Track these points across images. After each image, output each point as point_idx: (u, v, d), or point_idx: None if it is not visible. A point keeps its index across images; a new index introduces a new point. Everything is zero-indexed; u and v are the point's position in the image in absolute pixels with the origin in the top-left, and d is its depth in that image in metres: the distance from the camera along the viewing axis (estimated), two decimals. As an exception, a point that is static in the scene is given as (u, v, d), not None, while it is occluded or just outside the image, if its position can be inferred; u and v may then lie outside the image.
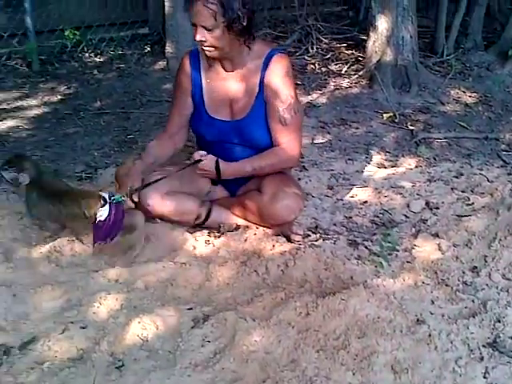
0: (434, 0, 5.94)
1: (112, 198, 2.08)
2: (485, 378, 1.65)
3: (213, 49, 2.12)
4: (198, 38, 2.09)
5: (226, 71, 2.26)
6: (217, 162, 2.22)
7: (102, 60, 4.47)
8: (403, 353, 1.70)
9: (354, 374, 1.63)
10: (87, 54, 4.47)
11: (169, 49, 4.25)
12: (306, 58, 4.67)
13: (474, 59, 4.74)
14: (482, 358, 1.71)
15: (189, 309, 1.91)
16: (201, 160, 2.21)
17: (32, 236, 2.29)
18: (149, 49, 4.66)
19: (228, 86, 2.27)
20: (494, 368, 1.68)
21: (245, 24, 2.09)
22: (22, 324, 1.89)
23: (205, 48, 2.12)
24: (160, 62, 4.45)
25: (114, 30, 4.58)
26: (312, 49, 4.77)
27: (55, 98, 3.85)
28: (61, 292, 2.00)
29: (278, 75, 2.21)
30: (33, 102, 3.79)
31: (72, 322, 1.87)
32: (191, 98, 2.32)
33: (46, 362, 1.73)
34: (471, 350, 1.74)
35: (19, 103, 3.76)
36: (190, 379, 1.63)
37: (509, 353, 1.74)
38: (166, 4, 4.08)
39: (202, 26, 2.06)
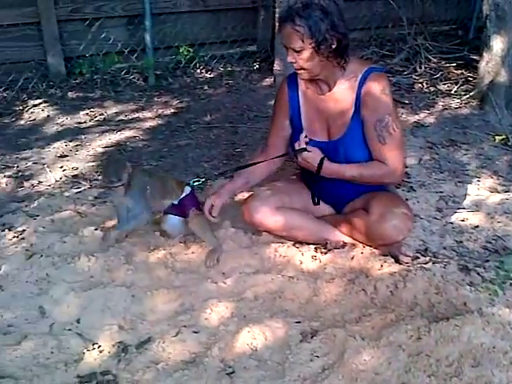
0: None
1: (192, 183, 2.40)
2: None
3: (303, 71, 2.16)
4: (289, 59, 2.14)
5: (321, 92, 2.27)
6: (322, 159, 2.23)
7: (212, 76, 4.64)
8: (520, 386, 1.64)
9: (467, 404, 1.59)
10: (198, 70, 4.66)
11: (277, 66, 4.34)
12: (414, 77, 4.59)
13: None
14: None
15: (297, 322, 1.96)
16: (306, 149, 2.23)
17: (150, 241, 2.43)
18: (257, 66, 4.78)
19: (324, 106, 2.28)
20: None
21: (334, 46, 2.10)
22: (139, 324, 2.01)
23: (297, 69, 2.17)
24: (267, 79, 4.55)
25: (225, 48, 4.74)
26: (420, 68, 4.68)
27: (168, 111, 4.04)
28: (175, 296, 2.11)
29: (375, 93, 2.19)
30: (148, 114, 4.01)
31: (185, 326, 1.97)
32: (289, 120, 2.36)
33: (160, 362, 1.83)
34: None
35: (136, 115, 3.99)
36: (298, 392, 1.67)
37: None
38: (277, 24, 4.16)
39: (291, 48, 2.10)
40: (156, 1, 4.34)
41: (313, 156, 2.24)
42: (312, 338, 1.86)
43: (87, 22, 4.25)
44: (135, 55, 4.42)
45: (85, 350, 1.88)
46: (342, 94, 2.24)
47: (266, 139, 2.49)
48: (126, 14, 4.36)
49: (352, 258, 2.33)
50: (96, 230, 2.45)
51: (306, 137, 2.25)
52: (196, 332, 1.95)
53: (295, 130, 2.36)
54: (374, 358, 1.74)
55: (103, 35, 4.30)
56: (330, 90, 2.25)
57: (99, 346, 1.89)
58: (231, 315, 2.00)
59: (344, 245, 2.41)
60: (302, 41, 2.07)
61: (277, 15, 4.14)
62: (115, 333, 1.95)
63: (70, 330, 1.97)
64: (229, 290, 2.14)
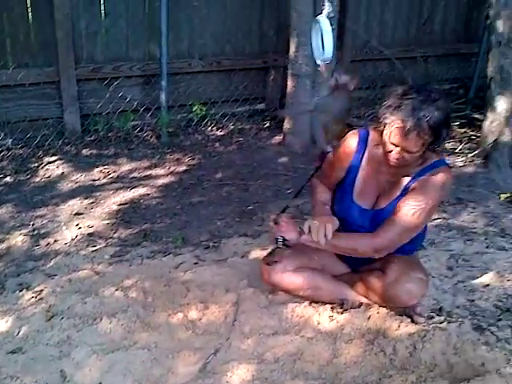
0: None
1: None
2: None
3: (402, 163, 2.13)
4: (396, 157, 2.09)
5: (388, 168, 2.23)
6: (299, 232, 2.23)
7: (223, 133, 4.76)
8: None
9: None
10: (210, 128, 4.79)
11: (287, 125, 4.47)
12: (419, 135, 4.72)
13: None
14: None
15: (317, 385, 1.98)
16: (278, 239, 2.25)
17: (171, 302, 2.47)
18: (267, 124, 4.92)
19: (382, 179, 2.29)
20: None
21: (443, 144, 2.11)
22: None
23: (394, 161, 2.13)
24: (276, 137, 4.67)
25: (236, 106, 4.89)
26: (425, 126, 4.81)
27: (181, 169, 4.14)
28: (196, 358, 2.14)
29: (434, 185, 2.16)
30: (161, 171, 4.10)
31: (207, 389, 1.99)
32: (344, 175, 2.36)
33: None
34: None
35: (148, 172, 4.08)
36: None
37: None
38: (289, 83, 4.33)
39: (406, 150, 2.07)
40: (172, 61, 4.51)
41: (291, 230, 2.24)
42: (334, 400, 1.89)
43: (105, 82, 4.40)
44: (150, 113, 4.56)
45: (107, 415, 1.90)
46: (403, 173, 2.24)
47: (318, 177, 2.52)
48: (143, 74, 4.52)
49: (369, 318, 2.37)
50: (116, 290, 2.49)
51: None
52: (218, 396, 1.97)
53: (345, 188, 2.35)
54: (395, 422, 1.76)
55: (120, 94, 4.44)
56: (397, 169, 2.21)
57: (122, 409, 1.92)
58: (252, 377, 2.03)
59: (360, 304, 2.44)
60: (423, 145, 2.05)
61: (289, 74, 4.32)
62: (137, 397, 1.97)
63: (92, 393, 1.99)
64: (249, 352, 2.17)
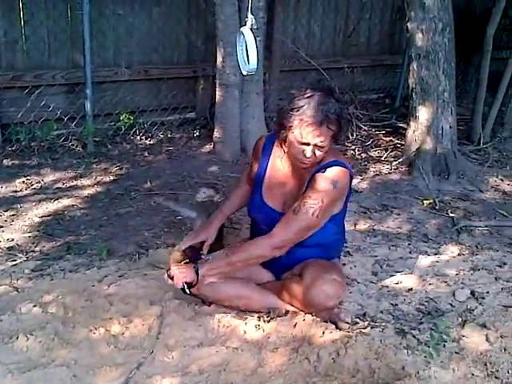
0: (470, 90, 6.21)
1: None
2: None
3: (311, 162, 2.21)
4: (309, 155, 2.16)
5: (291, 169, 2.36)
6: (195, 269, 2.28)
7: (152, 142, 4.70)
8: None
9: None
10: (138, 137, 4.71)
11: (216, 134, 4.46)
12: (347, 144, 4.84)
13: (510, 148, 4.85)
14: None
15: (242, 395, 1.96)
16: (186, 286, 2.29)
17: (93, 318, 2.39)
18: (197, 133, 4.89)
19: (286, 181, 2.39)
20: None
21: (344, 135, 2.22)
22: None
23: (306, 162, 2.21)
24: (207, 146, 4.65)
25: (165, 115, 4.84)
26: (352, 135, 4.95)
27: (108, 179, 4.04)
28: (118, 374, 2.07)
29: (325, 179, 2.23)
30: (87, 181, 3.99)
31: (129, 404, 1.93)
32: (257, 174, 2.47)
33: None
34: None
35: (74, 183, 3.95)
36: None
37: None
38: (217, 93, 4.32)
39: (318, 146, 2.15)
40: (97, 70, 4.41)
41: (187, 274, 2.29)
42: (258, 411, 1.87)
43: (27, 90, 4.24)
44: (74, 122, 4.43)
45: None
46: (304, 174, 2.33)
47: (242, 177, 2.72)
48: (67, 82, 4.40)
49: (295, 325, 2.37)
50: (34, 306, 2.38)
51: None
52: (141, 411, 1.92)
53: (255, 189, 2.46)
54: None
55: (42, 103, 4.30)
56: (300, 169, 2.31)
57: (38, 431, 1.83)
58: (175, 390, 1.99)
59: (287, 312, 2.45)
60: (332, 137, 2.16)
61: (217, 84, 4.32)
62: (56, 416, 1.89)
63: (7, 415, 1.89)
64: (173, 365, 2.13)
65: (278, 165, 2.42)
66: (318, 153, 2.18)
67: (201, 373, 2.10)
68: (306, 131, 2.12)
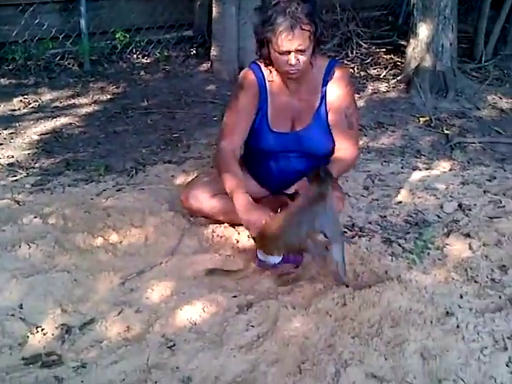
0: (475, 6, 6.02)
1: None
2: (507, 366, 1.78)
3: (299, 70, 2.20)
4: (293, 62, 2.15)
5: (291, 87, 2.35)
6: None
7: (148, 61, 4.67)
8: (432, 342, 1.84)
9: (386, 359, 1.77)
10: (135, 56, 4.68)
11: (214, 52, 4.42)
12: (346, 62, 4.78)
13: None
14: (506, 348, 1.84)
15: (234, 296, 2.08)
16: None
17: (93, 226, 2.49)
18: (194, 51, 4.83)
19: (291, 101, 2.37)
20: (517, 357, 1.78)
21: (325, 36, 2.20)
22: (82, 306, 2.07)
23: (294, 71, 2.20)
24: (204, 64, 4.62)
25: (162, 33, 4.77)
26: (352, 53, 4.89)
27: (105, 97, 4.06)
28: (116, 278, 2.19)
29: (341, 86, 2.33)
30: (84, 100, 4.01)
31: (127, 306, 2.05)
32: (256, 110, 2.38)
33: (104, 340, 1.91)
34: (496, 341, 1.86)
35: (71, 101, 3.98)
36: (235, 359, 1.80)
37: (533, 345, 1.86)
38: (214, 10, 4.25)
39: (299, 50, 2.13)
40: (91, -14, 4.32)
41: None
42: (247, 309, 1.99)
43: (20, 8, 4.17)
44: (70, 41, 4.39)
45: (29, 334, 1.93)
46: (309, 88, 2.33)
47: (228, 129, 2.37)
48: (60, 0, 4.31)
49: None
50: (35, 218, 2.48)
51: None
52: (138, 311, 2.04)
53: (259, 123, 2.39)
54: (303, 325, 1.89)
55: (37, 21, 4.23)
56: (298, 85, 2.32)
57: (43, 329, 1.95)
58: (171, 293, 2.10)
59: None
60: (310, 38, 2.12)
61: (214, 0, 4.23)
62: (58, 316, 2.00)
63: (12, 315, 2.00)
64: (168, 270, 2.24)
65: (278, 89, 2.37)
66: (301, 58, 2.16)
67: (195, 278, 2.21)
68: (280, 39, 2.10)
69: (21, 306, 2.05)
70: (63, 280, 2.15)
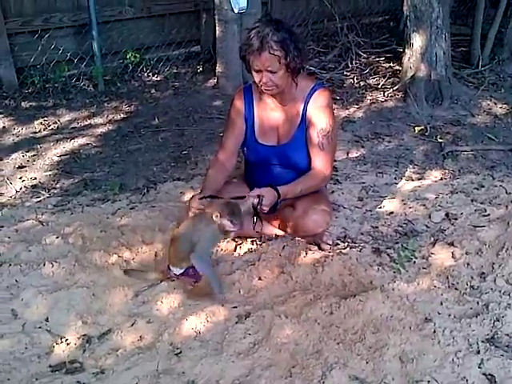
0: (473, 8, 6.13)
1: None
2: (479, 368, 1.98)
3: (274, 87, 2.44)
4: (264, 80, 2.40)
5: (275, 104, 2.59)
6: (276, 189, 2.44)
7: (158, 79, 4.92)
8: (410, 346, 2.05)
9: (367, 363, 2.00)
10: (146, 74, 4.93)
11: (219, 68, 4.66)
12: (346, 72, 4.98)
13: (508, 70, 4.95)
14: (478, 352, 2.04)
15: (234, 307, 2.32)
16: (260, 196, 2.39)
17: (108, 245, 2.75)
18: (201, 68, 5.07)
19: (276, 116, 2.62)
20: (489, 360, 2.00)
21: (299, 62, 2.42)
22: (100, 318, 2.33)
23: (267, 88, 2.44)
24: (210, 80, 4.86)
25: (170, 50, 5.02)
26: (351, 63, 5.06)
27: (118, 117, 4.31)
28: (130, 292, 2.44)
29: (319, 107, 2.54)
30: (99, 120, 4.26)
31: (139, 317, 2.30)
32: (245, 126, 2.67)
33: (119, 349, 2.17)
34: (470, 345, 2.07)
35: (88, 122, 4.24)
36: (233, 364, 2.04)
37: (504, 347, 2.06)
38: (217, 29, 4.48)
39: (268, 71, 2.38)
40: (102, 10, 4.59)
41: (269, 195, 2.41)
42: (245, 319, 2.23)
43: (37, 35, 4.46)
44: (84, 63, 4.66)
45: (54, 344, 2.18)
46: (292, 105, 2.57)
47: (221, 143, 2.71)
48: (74, 24, 4.60)
49: (283, 247, 2.71)
50: (57, 237, 2.75)
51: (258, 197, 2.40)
52: (149, 321, 2.29)
53: (248, 136, 2.67)
54: (294, 332, 2.13)
55: (53, 46, 4.51)
56: (282, 101, 2.57)
57: (66, 340, 2.20)
58: (178, 305, 2.35)
59: (276, 237, 2.78)
60: (279, 62, 2.35)
61: (216, 19, 4.47)
62: (79, 327, 2.26)
63: (40, 327, 2.26)
64: (176, 284, 2.48)
65: (263, 106, 2.63)
66: (272, 77, 2.39)
67: (200, 290, 2.46)
68: (251, 59, 2.37)
69: (47, 319, 2.31)
70: (83, 295, 2.41)
